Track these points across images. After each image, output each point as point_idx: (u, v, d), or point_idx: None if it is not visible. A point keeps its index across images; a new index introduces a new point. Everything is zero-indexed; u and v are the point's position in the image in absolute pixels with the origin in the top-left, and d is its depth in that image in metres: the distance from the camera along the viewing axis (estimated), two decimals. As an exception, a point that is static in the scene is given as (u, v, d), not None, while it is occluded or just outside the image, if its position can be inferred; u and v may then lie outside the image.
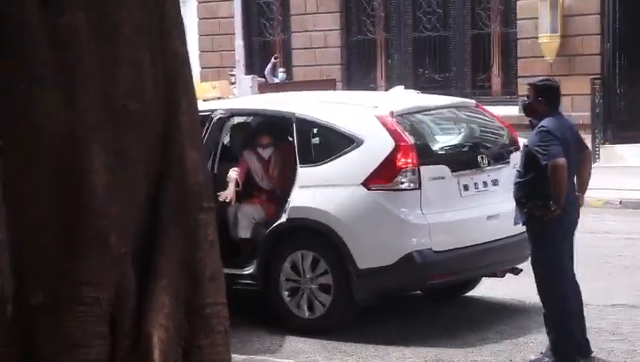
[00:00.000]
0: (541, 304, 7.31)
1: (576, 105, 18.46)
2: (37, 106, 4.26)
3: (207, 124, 8.88)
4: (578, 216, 7.33)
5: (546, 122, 7.08)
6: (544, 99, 7.18)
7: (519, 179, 7.22)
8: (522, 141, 9.45)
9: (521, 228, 8.38)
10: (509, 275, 8.89)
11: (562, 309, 7.13)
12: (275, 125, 9.30)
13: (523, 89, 18.84)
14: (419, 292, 9.30)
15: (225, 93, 19.62)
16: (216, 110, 9.19)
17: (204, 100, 14.68)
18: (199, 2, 24.81)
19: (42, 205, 4.29)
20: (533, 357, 7.39)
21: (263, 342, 8.22)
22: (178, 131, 4.46)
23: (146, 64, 4.41)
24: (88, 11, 4.29)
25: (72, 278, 4.29)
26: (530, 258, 7.43)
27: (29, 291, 4.35)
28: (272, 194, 9.15)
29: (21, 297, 4.39)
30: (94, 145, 4.27)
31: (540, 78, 7.60)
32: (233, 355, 6.72)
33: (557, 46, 19.37)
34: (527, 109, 7.33)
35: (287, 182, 8.80)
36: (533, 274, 7.32)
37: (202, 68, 24.66)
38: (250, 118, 9.75)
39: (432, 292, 9.16)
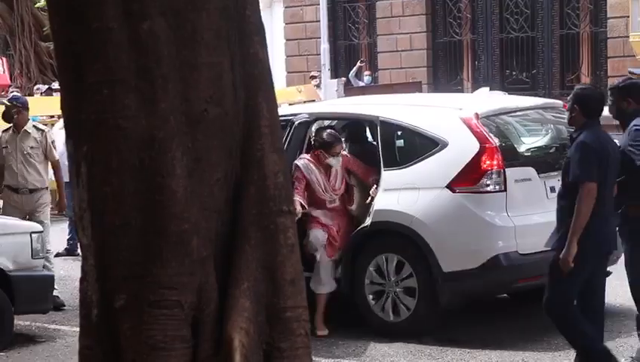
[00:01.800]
0: (633, 306, 7.16)
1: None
2: (118, 111, 4.33)
3: (289, 128, 8.86)
4: None
5: (639, 121, 6.94)
6: (633, 98, 7.02)
7: None
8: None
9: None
10: (597, 278, 8.74)
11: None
12: (357, 129, 9.27)
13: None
14: (505, 295, 9.21)
15: (311, 96, 19.67)
16: (299, 114, 9.20)
17: (290, 104, 14.78)
18: (285, 7, 24.96)
19: (124, 209, 4.34)
20: (623, 361, 7.26)
21: (348, 346, 8.22)
22: (258, 135, 4.49)
23: (225, 69, 4.45)
24: (169, 17, 4.34)
25: (154, 282, 4.34)
26: (623, 259, 7.25)
27: (113, 294, 4.41)
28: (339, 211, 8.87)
29: (105, 300, 4.45)
30: (175, 149, 4.32)
31: (621, 79, 7.42)
32: (318, 359, 6.75)
33: (648, 45, 19.02)
34: (615, 113, 7.15)
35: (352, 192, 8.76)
36: (622, 277, 7.17)
37: (288, 72, 24.79)
38: (335, 121, 9.75)
39: (519, 295, 9.06)
